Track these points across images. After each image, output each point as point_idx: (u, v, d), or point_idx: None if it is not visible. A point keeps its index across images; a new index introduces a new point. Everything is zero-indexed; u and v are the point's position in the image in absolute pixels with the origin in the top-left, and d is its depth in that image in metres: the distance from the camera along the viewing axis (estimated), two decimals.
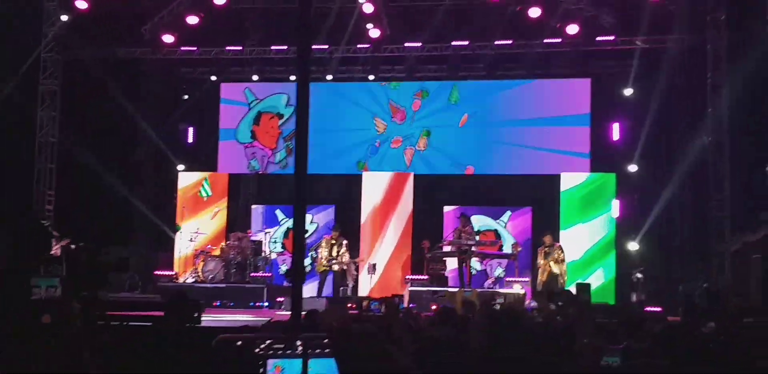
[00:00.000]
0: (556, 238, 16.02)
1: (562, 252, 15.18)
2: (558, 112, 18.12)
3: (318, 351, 1.53)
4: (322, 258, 15.78)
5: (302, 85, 6.29)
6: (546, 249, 15.14)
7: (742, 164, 15.96)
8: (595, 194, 17.12)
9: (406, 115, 18.86)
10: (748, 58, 15.12)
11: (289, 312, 5.63)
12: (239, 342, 1.52)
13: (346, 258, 15.76)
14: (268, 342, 1.53)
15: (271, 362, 1.59)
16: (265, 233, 17.18)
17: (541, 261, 15.16)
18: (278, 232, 18.22)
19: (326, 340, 1.43)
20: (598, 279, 16.48)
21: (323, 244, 15.91)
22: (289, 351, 1.55)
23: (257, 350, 1.53)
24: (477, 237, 16.16)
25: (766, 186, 14.11)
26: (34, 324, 2.68)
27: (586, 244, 16.80)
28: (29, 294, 2.71)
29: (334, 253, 15.70)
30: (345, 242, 15.92)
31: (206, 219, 18.29)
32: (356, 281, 16.62)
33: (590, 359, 2.71)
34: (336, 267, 15.71)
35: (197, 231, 17.31)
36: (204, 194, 18.30)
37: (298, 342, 1.55)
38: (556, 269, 14.96)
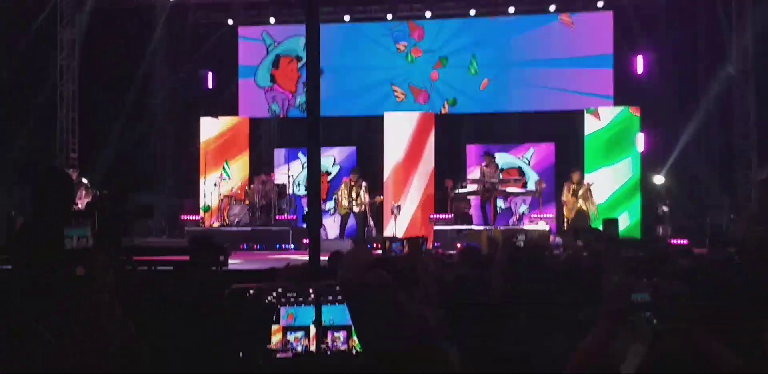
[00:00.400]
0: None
1: (590, 190, 15.07)
2: (581, 51, 17.86)
3: (330, 298, 1.54)
4: (342, 200, 15.93)
5: (311, 34, 6.20)
6: (574, 186, 14.98)
7: None
8: (620, 135, 16.85)
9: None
10: None
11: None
12: (251, 292, 1.52)
13: (365, 199, 15.88)
14: (279, 290, 1.54)
15: (283, 310, 1.60)
16: (288, 176, 17.20)
17: (568, 197, 15.01)
18: (301, 175, 18.25)
19: (338, 288, 1.43)
20: (624, 220, 16.38)
21: (343, 187, 16.04)
22: (300, 299, 1.56)
23: (269, 298, 1.54)
24: (500, 175, 16.11)
25: None
26: (68, 276, 2.71)
27: (611, 188, 16.63)
28: (62, 245, 2.73)
29: (354, 195, 15.81)
30: (364, 184, 16.05)
31: (230, 167, 18.29)
32: (379, 221, 16.74)
33: (619, 296, 2.70)
34: (356, 209, 15.84)
35: (221, 177, 17.38)
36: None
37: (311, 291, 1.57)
38: (584, 206, 14.87)
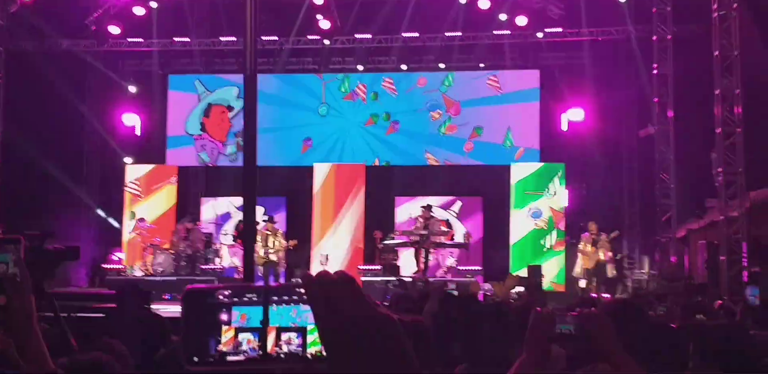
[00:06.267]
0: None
1: (610, 242, 15.31)
2: (508, 101, 18.35)
3: (285, 298, 1.52)
4: (258, 250, 15.43)
5: (249, 95, 6.22)
6: (593, 236, 15.15)
7: (688, 152, 16.27)
8: (543, 183, 17.20)
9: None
10: (691, 49, 15.43)
11: None
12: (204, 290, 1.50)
13: (282, 245, 15.61)
14: (233, 290, 1.51)
15: (236, 310, 1.57)
16: (217, 225, 16.96)
17: (587, 248, 15.14)
18: (229, 225, 18.06)
19: (298, 288, 1.41)
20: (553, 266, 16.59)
21: (258, 237, 15.53)
22: (255, 299, 1.53)
23: (221, 298, 1.51)
24: (440, 227, 16.10)
25: (711, 173, 14.40)
26: None
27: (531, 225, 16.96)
28: None
29: (270, 243, 15.49)
30: (280, 231, 15.86)
31: (155, 211, 17.93)
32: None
33: (544, 327, 2.73)
34: (273, 257, 15.54)
35: (146, 225, 17.02)
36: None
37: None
38: (603, 257, 15.09)
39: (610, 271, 15.27)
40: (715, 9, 13.72)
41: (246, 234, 6.32)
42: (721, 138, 13.56)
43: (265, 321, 1.59)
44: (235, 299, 1.55)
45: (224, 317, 1.54)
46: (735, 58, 13.51)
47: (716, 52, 13.67)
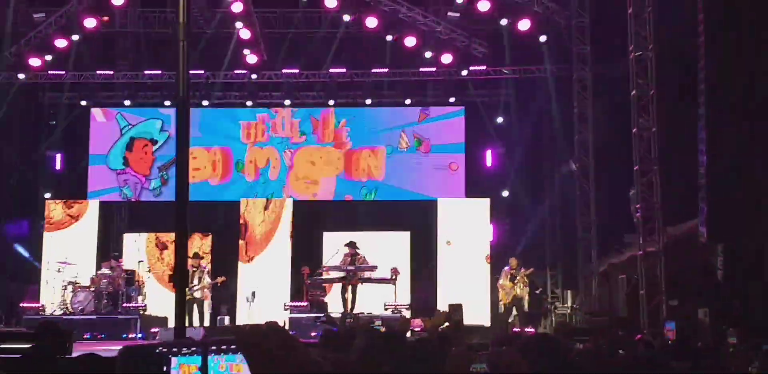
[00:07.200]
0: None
1: (527, 276, 15.47)
2: (435, 140, 18.47)
3: (224, 347, 1.53)
4: None
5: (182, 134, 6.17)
6: (512, 271, 15.38)
7: (607, 189, 16.68)
8: (469, 220, 17.43)
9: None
10: (610, 88, 15.92)
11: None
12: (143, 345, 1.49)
13: (208, 283, 15.44)
14: (171, 343, 1.52)
15: (174, 360, 1.57)
16: (139, 262, 16.60)
17: (506, 282, 15.35)
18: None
19: (232, 339, 1.43)
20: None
21: None
22: (193, 349, 1.53)
23: (160, 348, 1.51)
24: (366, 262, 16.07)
25: (629, 210, 14.78)
26: None
27: (462, 276, 17.09)
28: None
29: (196, 281, 15.29)
30: (207, 269, 15.71)
31: (75, 248, 17.49)
32: (232, 308, 16.31)
33: (459, 366, 2.78)
34: (198, 294, 15.30)
35: (65, 262, 16.53)
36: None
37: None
38: (521, 292, 15.27)
39: (528, 306, 15.52)
40: (632, 49, 14.20)
41: (178, 273, 6.16)
42: (638, 175, 13.95)
43: (204, 370, 1.60)
44: (174, 349, 1.56)
45: (164, 368, 1.55)
46: (651, 98, 13.96)
47: (633, 92, 14.12)
